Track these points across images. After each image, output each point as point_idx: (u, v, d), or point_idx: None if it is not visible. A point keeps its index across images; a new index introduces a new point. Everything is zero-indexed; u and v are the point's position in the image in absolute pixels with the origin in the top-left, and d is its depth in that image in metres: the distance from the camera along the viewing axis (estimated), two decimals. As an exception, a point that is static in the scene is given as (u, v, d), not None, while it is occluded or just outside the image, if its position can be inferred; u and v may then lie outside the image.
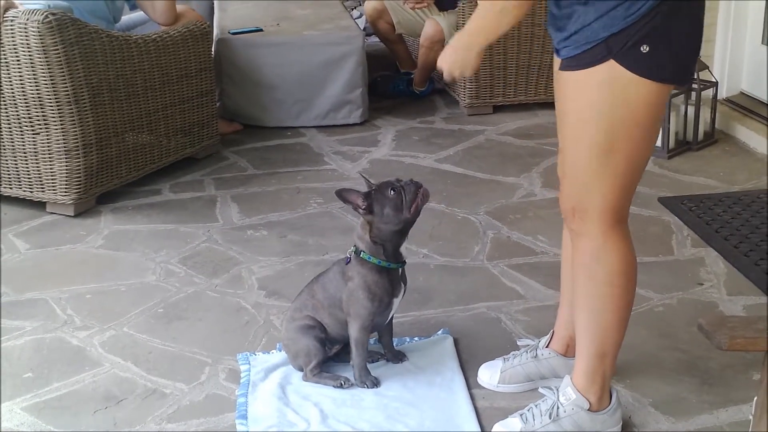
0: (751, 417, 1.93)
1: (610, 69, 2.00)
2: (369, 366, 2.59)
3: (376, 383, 2.55)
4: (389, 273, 2.50)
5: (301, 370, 2.59)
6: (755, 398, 1.83)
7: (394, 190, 2.44)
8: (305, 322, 2.56)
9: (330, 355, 2.61)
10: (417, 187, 2.45)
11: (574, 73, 2.06)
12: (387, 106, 5.21)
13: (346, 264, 2.53)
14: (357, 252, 2.50)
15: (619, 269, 2.16)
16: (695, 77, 1.96)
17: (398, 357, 2.68)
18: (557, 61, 2.16)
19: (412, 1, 5.15)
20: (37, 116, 3.63)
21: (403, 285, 2.55)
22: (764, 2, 4.58)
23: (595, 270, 2.17)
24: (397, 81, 5.35)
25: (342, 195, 2.47)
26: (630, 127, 2.06)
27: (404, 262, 2.53)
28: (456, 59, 2.20)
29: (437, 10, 5.22)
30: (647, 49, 1.98)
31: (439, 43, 4.99)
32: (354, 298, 2.49)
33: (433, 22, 5.07)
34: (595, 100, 2.04)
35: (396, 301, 2.54)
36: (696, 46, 2.09)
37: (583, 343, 2.25)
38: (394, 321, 2.69)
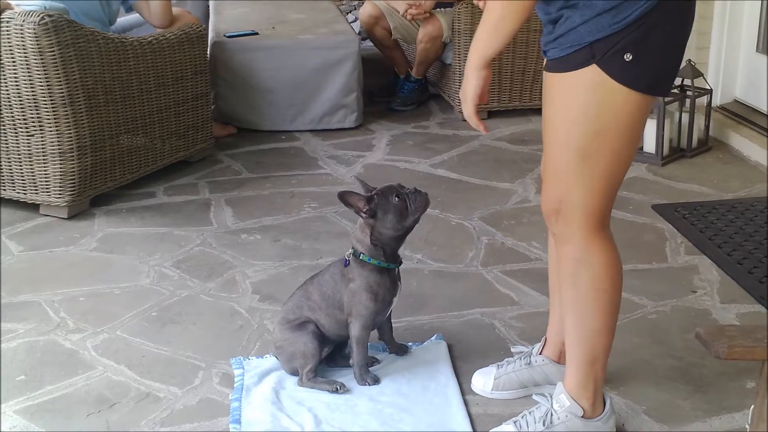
0: (747, 426, 1.93)
1: (594, 74, 2.00)
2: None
3: (376, 380, 2.57)
4: (389, 273, 2.53)
5: (295, 374, 2.59)
6: (752, 407, 1.83)
7: (398, 197, 2.46)
8: (302, 321, 2.57)
9: (322, 358, 2.62)
10: (420, 196, 2.47)
11: (559, 76, 2.06)
12: (382, 110, 5.21)
13: (345, 266, 2.54)
14: (356, 254, 2.51)
15: (604, 273, 2.16)
16: (675, 89, 1.94)
17: (402, 349, 2.71)
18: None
19: (411, 14, 5.14)
20: (32, 118, 3.63)
21: (399, 283, 2.59)
22: (759, 10, 4.59)
23: (579, 275, 2.17)
24: (403, 85, 5.33)
25: (344, 198, 2.46)
26: (611, 132, 2.05)
27: (401, 262, 2.58)
28: (463, 82, 2.17)
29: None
30: (630, 57, 1.97)
31: (438, 39, 5.06)
32: (357, 299, 2.50)
33: (432, 18, 5.08)
34: (578, 104, 2.04)
35: (395, 299, 2.58)
36: (678, 60, 2.09)
37: (573, 349, 2.26)
38: (388, 326, 2.71)
